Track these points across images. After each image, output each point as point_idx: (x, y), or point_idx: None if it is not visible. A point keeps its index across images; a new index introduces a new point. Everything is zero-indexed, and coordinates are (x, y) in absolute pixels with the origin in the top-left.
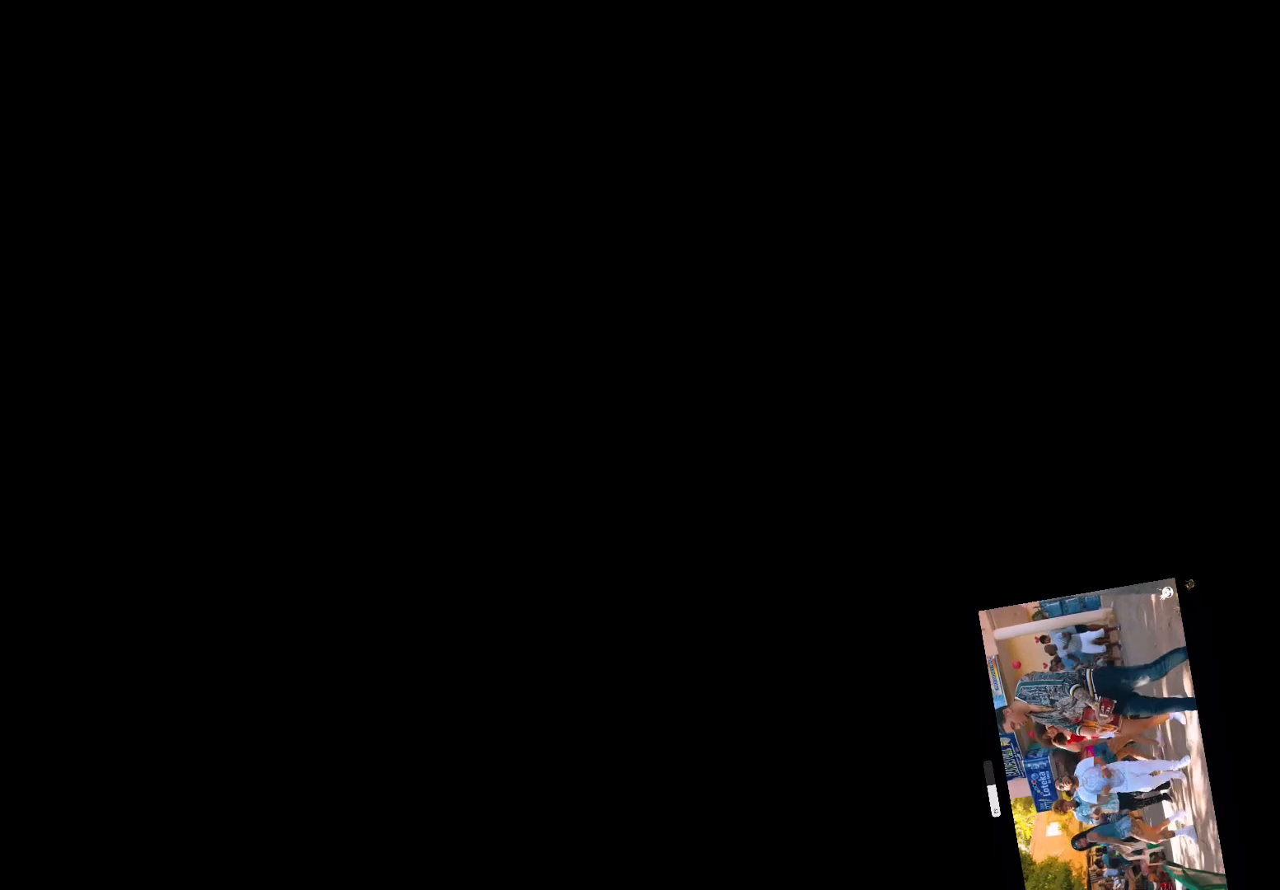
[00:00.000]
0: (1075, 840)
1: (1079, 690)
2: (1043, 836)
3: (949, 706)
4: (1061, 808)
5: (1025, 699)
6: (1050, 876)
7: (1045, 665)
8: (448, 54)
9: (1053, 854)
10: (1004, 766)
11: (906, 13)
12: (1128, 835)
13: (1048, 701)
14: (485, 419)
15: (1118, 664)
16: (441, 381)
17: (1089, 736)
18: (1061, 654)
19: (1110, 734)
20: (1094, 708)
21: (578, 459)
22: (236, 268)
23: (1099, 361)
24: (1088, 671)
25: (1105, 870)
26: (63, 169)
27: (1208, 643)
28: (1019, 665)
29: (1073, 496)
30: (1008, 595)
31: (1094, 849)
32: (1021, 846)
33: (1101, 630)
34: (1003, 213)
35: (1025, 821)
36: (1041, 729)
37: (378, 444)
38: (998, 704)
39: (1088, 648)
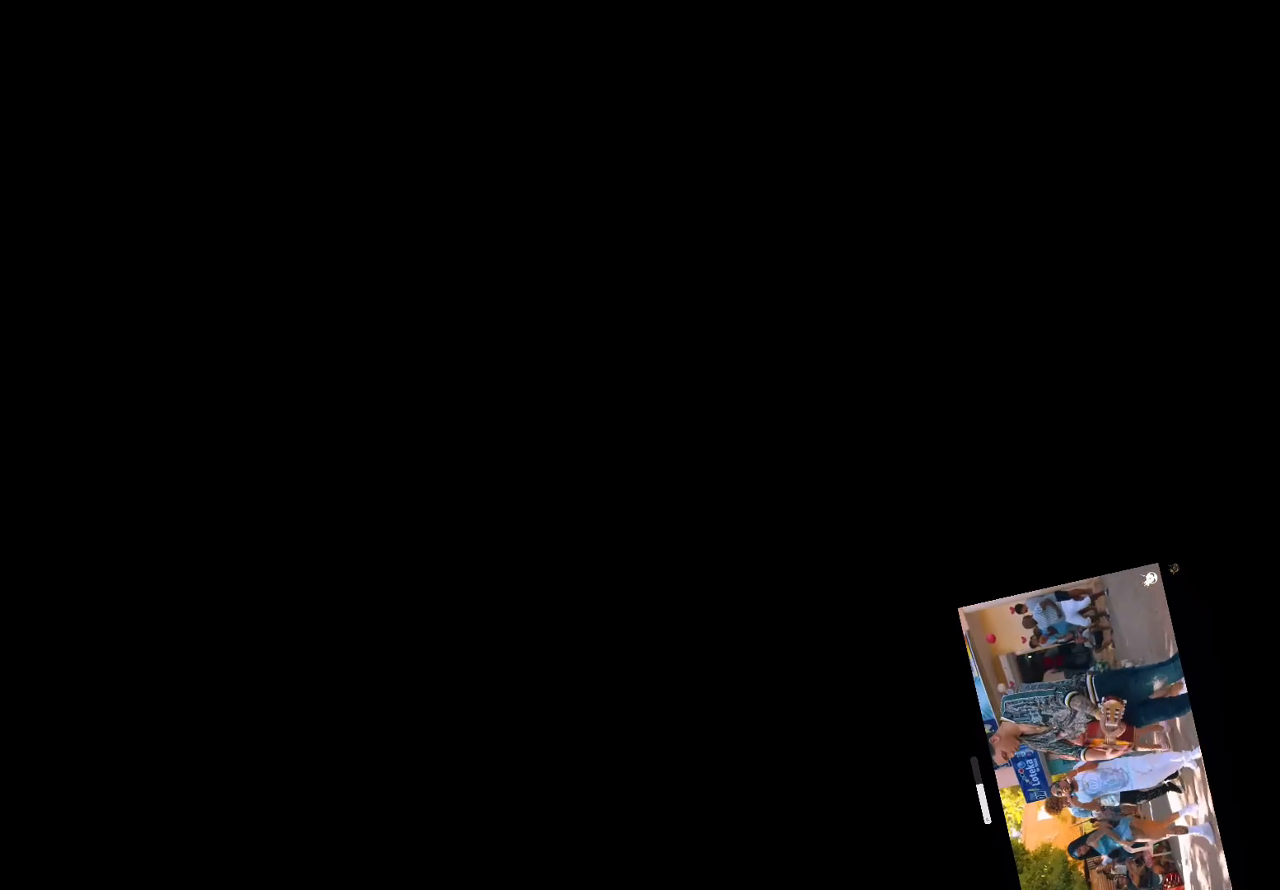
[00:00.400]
0: (1073, 848)
1: (1077, 699)
2: (1034, 820)
3: (932, 704)
4: (1056, 807)
5: (1012, 717)
6: (1047, 868)
7: (1024, 639)
8: (448, 54)
9: (1046, 840)
10: (991, 763)
11: (906, 13)
12: (1130, 839)
13: (1039, 718)
14: (484, 419)
15: (1107, 634)
16: (441, 381)
17: (1104, 755)
18: (1042, 627)
19: (1124, 751)
20: (1100, 718)
21: (564, 453)
22: (236, 268)
23: (1071, 357)
24: (1088, 677)
25: (1104, 857)
26: (63, 169)
27: (1206, 634)
28: (993, 639)
29: (1047, 486)
30: (987, 590)
31: (1086, 820)
32: (1013, 831)
33: (1087, 598)
34: (980, 204)
35: (1014, 806)
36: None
37: (377, 444)
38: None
39: (1072, 619)
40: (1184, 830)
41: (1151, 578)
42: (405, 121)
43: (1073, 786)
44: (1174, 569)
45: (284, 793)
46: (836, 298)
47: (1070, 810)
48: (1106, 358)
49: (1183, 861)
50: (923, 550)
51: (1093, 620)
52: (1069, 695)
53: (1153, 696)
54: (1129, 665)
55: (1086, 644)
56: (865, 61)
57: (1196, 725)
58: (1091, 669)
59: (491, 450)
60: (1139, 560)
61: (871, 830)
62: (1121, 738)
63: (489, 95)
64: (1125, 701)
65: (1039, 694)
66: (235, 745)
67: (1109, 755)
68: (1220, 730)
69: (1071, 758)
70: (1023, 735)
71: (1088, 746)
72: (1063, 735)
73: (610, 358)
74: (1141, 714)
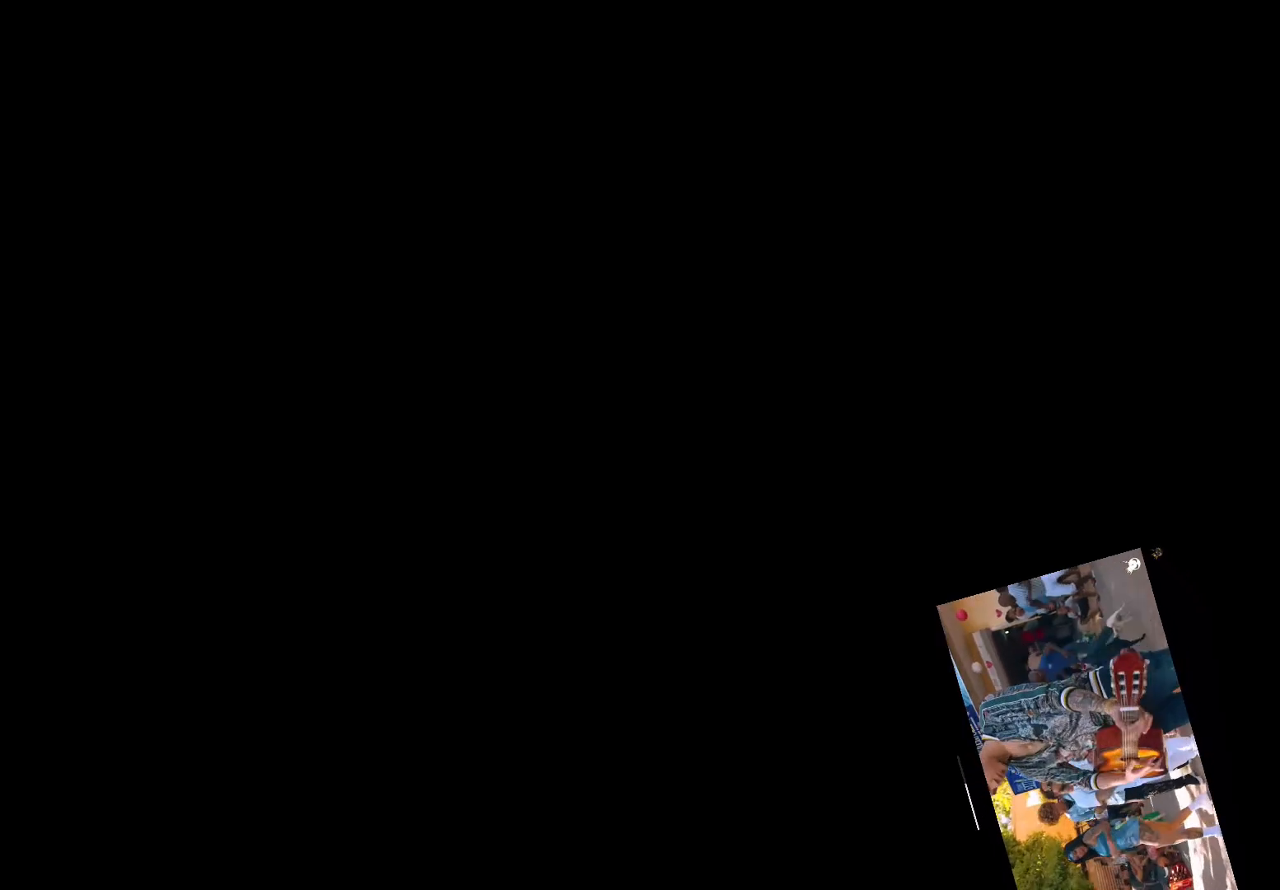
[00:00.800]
0: (1070, 850)
1: (1075, 695)
2: (1024, 807)
3: (914, 701)
4: (1052, 813)
5: (995, 732)
6: (1040, 861)
7: (999, 613)
8: (448, 54)
9: (1038, 828)
10: (979, 764)
11: (906, 13)
12: (1136, 843)
13: (1029, 731)
14: (482, 419)
15: (1094, 602)
16: (442, 382)
17: (1125, 778)
18: (1022, 602)
19: (1152, 771)
20: (1113, 709)
21: (550, 452)
22: (237, 269)
23: (1049, 353)
24: (1091, 672)
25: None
26: (63, 170)
27: (1198, 620)
28: (964, 616)
29: (1020, 476)
30: (967, 585)
31: (1085, 822)
32: (1002, 819)
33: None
34: (970, 203)
35: (1003, 794)
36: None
37: (378, 445)
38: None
39: (1053, 590)
40: (1198, 833)
41: (1134, 563)
42: (405, 121)
43: (1067, 785)
44: (1157, 553)
45: (284, 792)
46: (811, 301)
47: (1067, 815)
48: (1079, 351)
49: (1190, 852)
50: (898, 551)
51: (1076, 586)
52: (1065, 691)
53: (1177, 691)
54: (1117, 621)
55: (1070, 615)
56: (865, 61)
57: (1190, 717)
58: (1078, 641)
59: (485, 449)
60: (1120, 546)
61: (861, 831)
62: (1146, 744)
63: (489, 95)
64: (1147, 661)
65: (1025, 696)
66: (235, 745)
67: (1130, 776)
68: (1218, 720)
69: (1082, 787)
70: (1012, 758)
71: (1100, 769)
72: (1064, 754)
73: (598, 357)
74: (1170, 715)
